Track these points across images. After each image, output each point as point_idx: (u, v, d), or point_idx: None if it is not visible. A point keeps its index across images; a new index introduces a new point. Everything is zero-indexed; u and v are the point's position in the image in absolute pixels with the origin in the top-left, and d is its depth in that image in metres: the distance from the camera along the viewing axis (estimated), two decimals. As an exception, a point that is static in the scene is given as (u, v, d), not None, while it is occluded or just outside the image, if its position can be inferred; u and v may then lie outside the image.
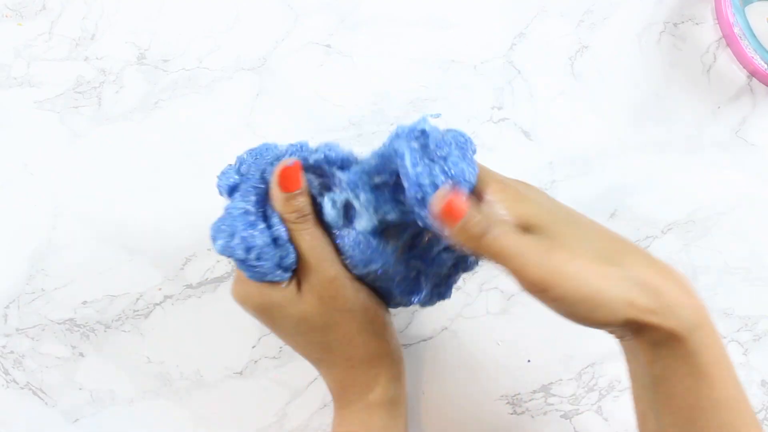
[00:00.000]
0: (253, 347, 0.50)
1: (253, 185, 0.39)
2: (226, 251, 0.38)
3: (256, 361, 0.49)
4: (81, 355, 0.49)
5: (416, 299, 0.41)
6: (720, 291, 0.51)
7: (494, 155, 0.51)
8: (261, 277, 0.38)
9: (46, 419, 0.49)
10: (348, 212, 0.38)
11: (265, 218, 0.38)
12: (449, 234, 0.33)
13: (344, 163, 0.38)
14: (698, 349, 0.34)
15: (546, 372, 0.50)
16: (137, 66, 0.52)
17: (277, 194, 0.38)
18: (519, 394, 0.50)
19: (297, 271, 0.39)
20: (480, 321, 0.50)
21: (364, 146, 0.51)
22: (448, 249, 0.39)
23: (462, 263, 0.41)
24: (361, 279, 0.40)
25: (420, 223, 0.35)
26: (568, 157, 0.52)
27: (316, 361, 0.42)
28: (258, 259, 0.37)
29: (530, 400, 0.50)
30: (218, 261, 0.50)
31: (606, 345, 0.50)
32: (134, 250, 0.50)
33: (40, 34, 0.52)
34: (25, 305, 0.49)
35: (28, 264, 0.50)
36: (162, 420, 0.49)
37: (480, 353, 0.50)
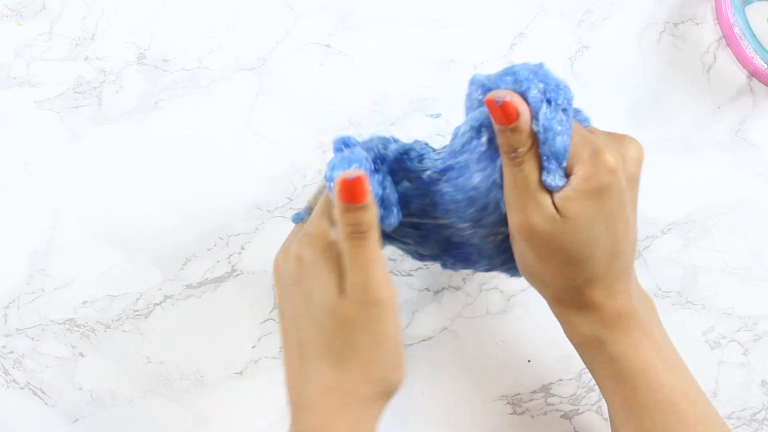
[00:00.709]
0: (253, 347, 0.50)
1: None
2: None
3: (256, 361, 0.49)
4: (81, 355, 0.49)
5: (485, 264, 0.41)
6: (720, 291, 0.51)
7: (494, 155, 0.51)
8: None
9: (46, 419, 0.49)
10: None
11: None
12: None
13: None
14: (617, 357, 0.35)
15: (546, 372, 0.50)
16: (137, 66, 0.52)
17: (337, 203, 0.35)
18: (519, 394, 0.50)
19: (343, 278, 0.36)
20: (480, 321, 0.50)
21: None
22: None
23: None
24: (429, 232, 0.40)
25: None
26: (568, 157, 0.52)
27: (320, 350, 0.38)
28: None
29: (530, 400, 0.50)
30: (218, 261, 0.50)
31: (606, 345, 0.50)
32: (134, 250, 0.50)
33: (40, 34, 0.52)
34: (25, 305, 0.49)
35: (28, 264, 0.50)
36: (162, 420, 0.49)
37: (480, 353, 0.50)
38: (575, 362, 0.50)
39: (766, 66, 0.51)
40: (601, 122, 0.54)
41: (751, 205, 0.52)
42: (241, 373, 0.49)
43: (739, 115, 0.53)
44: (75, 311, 0.49)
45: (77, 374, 0.49)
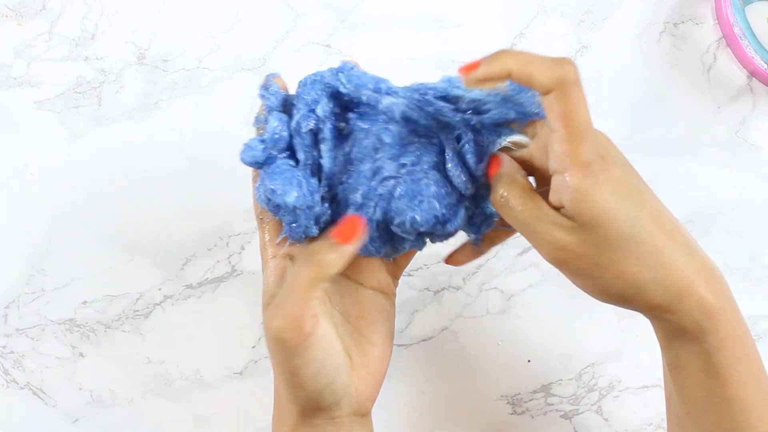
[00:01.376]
0: (253, 347, 0.50)
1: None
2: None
3: (256, 361, 0.50)
4: (81, 355, 0.49)
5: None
6: (720, 291, 0.51)
7: (494, 155, 0.51)
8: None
9: (46, 419, 0.49)
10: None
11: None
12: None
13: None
14: (712, 350, 0.34)
15: (546, 372, 0.50)
16: (137, 66, 0.52)
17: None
18: (519, 394, 0.50)
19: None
20: (480, 321, 0.50)
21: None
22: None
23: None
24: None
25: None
26: (568, 157, 0.52)
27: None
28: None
29: (530, 400, 0.50)
30: (218, 261, 0.50)
31: (606, 345, 0.50)
32: (134, 250, 0.50)
33: (40, 34, 0.52)
34: (25, 305, 0.49)
35: (28, 264, 0.50)
36: (162, 420, 0.49)
37: (480, 353, 0.50)
38: (575, 362, 0.50)
39: (766, 66, 0.51)
40: (601, 122, 0.54)
41: (751, 205, 0.52)
42: (241, 373, 0.49)
43: (739, 115, 0.53)
44: (75, 311, 0.49)
45: (77, 374, 0.49)
